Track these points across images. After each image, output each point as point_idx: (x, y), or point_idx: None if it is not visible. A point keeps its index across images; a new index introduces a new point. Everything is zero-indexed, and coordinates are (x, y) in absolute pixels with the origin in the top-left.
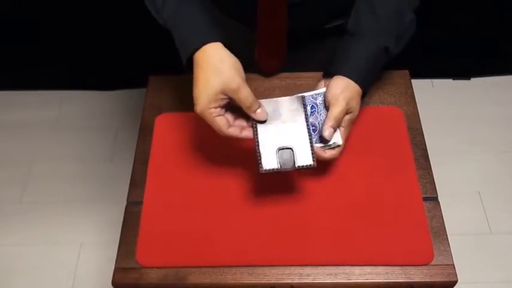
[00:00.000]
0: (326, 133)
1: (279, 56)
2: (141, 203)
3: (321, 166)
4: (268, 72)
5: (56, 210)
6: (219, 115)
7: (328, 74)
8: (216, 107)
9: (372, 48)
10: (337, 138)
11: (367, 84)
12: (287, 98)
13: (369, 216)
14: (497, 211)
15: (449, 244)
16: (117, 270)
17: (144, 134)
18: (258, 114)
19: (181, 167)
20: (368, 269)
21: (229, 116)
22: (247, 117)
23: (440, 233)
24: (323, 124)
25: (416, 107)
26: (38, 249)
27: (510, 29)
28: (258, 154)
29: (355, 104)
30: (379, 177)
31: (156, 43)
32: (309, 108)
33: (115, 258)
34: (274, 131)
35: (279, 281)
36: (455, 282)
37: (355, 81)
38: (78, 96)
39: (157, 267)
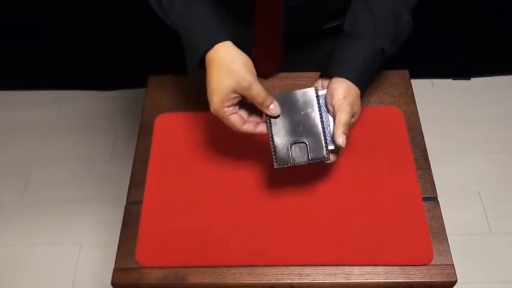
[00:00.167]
0: (340, 140)
1: (276, 56)
2: (140, 203)
3: (321, 166)
4: (265, 73)
5: (55, 210)
6: (232, 113)
7: (326, 75)
8: (229, 106)
9: (368, 50)
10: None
11: (364, 85)
12: (300, 90)
13: (368, 216)
14: (497, 211)
15: (448, 244)
16: (116, 270)
17: (144, 134)
18: (271, 109)
19: (181, 167)
20: (368, 269)
21: (243, 113)
22: (261, 113)
23: (440, 233)
24: (334, 132)
25: (416, 107)
26: (38, 249)
27: (510, 29)
28: (272, 149)
29: (358, 107)
30: (379, 177)
31: (156, 43)
32: (321, 101)
33: (115, 258)
34: (287, 125)
35: (278, 281)
36: (454, 282)
37: (354, 83)
38: (78, 96)
39: (157, 267)
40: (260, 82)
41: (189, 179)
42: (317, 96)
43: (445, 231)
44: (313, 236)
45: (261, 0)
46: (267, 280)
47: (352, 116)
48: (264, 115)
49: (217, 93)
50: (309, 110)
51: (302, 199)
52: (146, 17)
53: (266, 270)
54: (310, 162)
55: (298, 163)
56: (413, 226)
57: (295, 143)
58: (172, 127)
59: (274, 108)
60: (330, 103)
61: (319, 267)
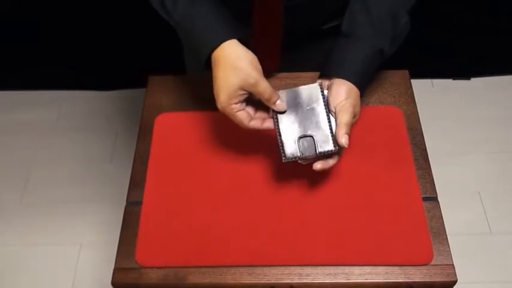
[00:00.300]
0: (343, 140)
1: (275, 56)
2: (140, 203)
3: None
4: (264, 73)
5: (55, 210)
6: (239, 110)
7: (325, 76)
8: (236, 103)
9: (367, 50)
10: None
11: (364, 85)
12: (305, 86)
13: (368, 216)
14: (497, 211)
15: (448, 244)
16: (116, 270)
17: (144, 134)
18: (278, 105)
19: (181, 167)
20: (367, 269)
21: (250, 110)
22: (267, 108)
23: (440, 233)
24: (336, 132)
25: (416, 107)
26: (38, 249)
27: (510, 29)
28: (280, 144)
29: (358, 107)
30: (379, 177)
31: (155, 43)
32: (325, 97)
33: (115, 258)
34: (294, 120)
35: (278, 281)
36: (454, 282)
37: (354, 84)
38: (78, 96)
39: (156, 267)
40: None
41: (189, 179)
42: (322, 91)
43: (445, 231)
44: (313, 236)
45: (260, 0)
46: (267, 280)
47: (354, 117)
48: (270, 111)
49: (225, 90)
50: (315, 105)
51: (302, 199)
52: (146, 17)
53: (266, 270)
54: (318, 155)
55: (306, 156)
56: (413, 226)
57: (303, 137)
58: (172, 127)
59: (280, 104)
60: (331, 104)
61: (319, 267)
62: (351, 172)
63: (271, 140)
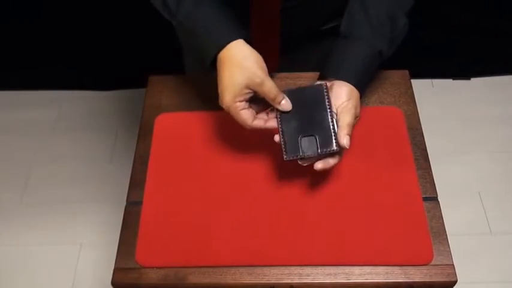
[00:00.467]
0: (344, 141)
1: (273, 57)
2: (140, 203)
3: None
4: None
5: (55, 210)
6: (244, 108)
7: (325, 76)
8: (241, 101)
9: (367, 51)
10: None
11: (363, 86)
12: (309, 86)
13: (368, 216)
14: (497, 211)
15: (449, 244)
16: (116, 270)
17: (144, 134)
18: (283, 105)
19: (181, 167)
20: (368, 269)
21: (253, 109)
22: (269, 106)
23: (440, 233)
24: (338, 133)
25: (416, 107)
26: (38, 249)
27: (510, 29)
28: (283, 142)
29: (359, 109)
30: (379, 177)
31: (156, 43)
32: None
33: (115, 258)
34: (297, 119)
35: (278, 281)
36: (454, 282)
37: (354, 85)
38: (78, 96)
39: (157, 267)
40: None
41: (189, 179)
42: (326, 91)
43: (445, 231)
44: (313, 236)
45: (257, 0)
46: (267, 280)
47: (355, 118)
48: (275, 110)
49: (230, 89)
50: (318, 104)
51: (302, 199)
52: (146, 17)
53: (266, 270)
54: (320, 154)
55: (308, 155)
56: (413, 226)
57: (305, 136)
58: (172, 127)
59: (285, 103)
60: (333, 105)
61: (319, 267)
62: (351, 172)
63: (271, 140)
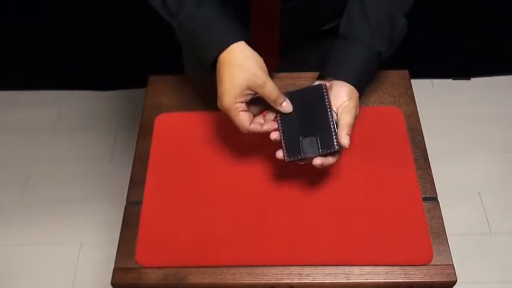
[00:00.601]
0: (345, 141)
1: (273, 57)
2: (140, 203)
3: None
4: None
5: (55, 210)
6: (243, 110)
7: (324, 77)
8: (242, 102)
9: (366, 51)
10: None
11: (363, 86)
12: (308, 87)
13: (368, 216)
14: (497, 211)
15: (448, 244)
16: (116, 270)
17: (144, 134)
18: (284, 107)
19: (181, 166)
20: (367, 269)
21: (251, 112)
22: (267, 109)
23: (440, 233)
24: (338, 133)
25: (416, 107)
26: (38, 249)
27: (510, 29)
28: (284, 143)
29: (358, 109)
30: (379, 177)
31: (156, 43)
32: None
33: (114, 258)
34: (297, 119)
35: (278, 281)
36: (454, 282)
37: (354, 85)
38: (78, 96)
39: (156, 267)
40: None
41: (189, 178)
42: (325, 91)
43: (445, 231)
44: (313, 236)
45: (256, 1)
46: (267, 280)
47: (355, 118)
48: (274, 111)
49: (231, 90)
50: (318, 105)
51: (302, 199)
52: (146, 17)
53: (266, 270)
54: (320, 154)
55: (309, 155)
56: (413, 226)
57: (306, 136)
58: (172, 127)
59: (286, 105)
60: (333, 105)
61: (319, 267)
62: (351, 172)
63: (271, 140)
